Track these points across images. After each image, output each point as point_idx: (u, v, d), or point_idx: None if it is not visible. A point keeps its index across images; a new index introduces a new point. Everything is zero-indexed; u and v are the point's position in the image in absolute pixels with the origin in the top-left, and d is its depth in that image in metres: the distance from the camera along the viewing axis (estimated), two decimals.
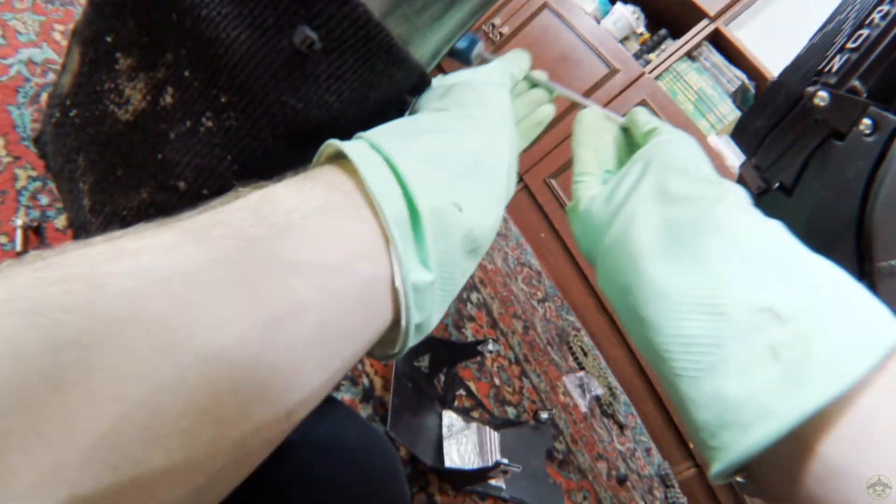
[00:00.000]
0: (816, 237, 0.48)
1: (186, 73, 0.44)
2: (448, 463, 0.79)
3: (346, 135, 0.34)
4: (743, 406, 0.26)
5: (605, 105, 1.89)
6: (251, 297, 0.22)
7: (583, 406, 1.36)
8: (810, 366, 0.25)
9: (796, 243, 0.33)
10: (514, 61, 0.52)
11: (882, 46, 0.47)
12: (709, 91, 1.91)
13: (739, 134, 0.58)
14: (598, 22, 2.12)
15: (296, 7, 0.39)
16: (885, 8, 0.48)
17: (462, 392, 0.89)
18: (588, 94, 1.92)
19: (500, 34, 2.12)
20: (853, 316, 0.27)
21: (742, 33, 1.89)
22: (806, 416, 0.24)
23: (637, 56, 2.04)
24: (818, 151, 0.49)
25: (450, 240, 0.31)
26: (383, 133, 0.33)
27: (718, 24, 1.87)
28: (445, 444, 0.80)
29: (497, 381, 1.05)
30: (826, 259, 0.32)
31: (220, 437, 0.21)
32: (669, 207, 0.36)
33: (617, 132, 0.53)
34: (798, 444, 0.25)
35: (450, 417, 0.83)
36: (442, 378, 0.88)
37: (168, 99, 0.45)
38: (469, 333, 1.09)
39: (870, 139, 0.45)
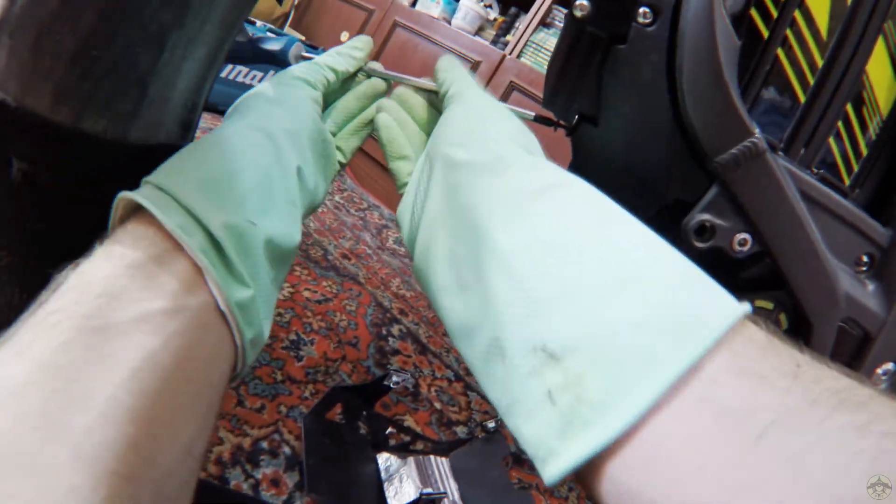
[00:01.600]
0: (642, 157, 0.46)
1: None
2: None
3: None
4: (535, 446, 0.26)
5: None
6: (101, 372, 0.25)
7: None
8: (583, 411, 0.24)
9: (582, 237, 0.29)
10: (342, 53, 0.50)
11: None
12: None
13: (546, 77, 0.55)
14: (449, 23, 2.17)
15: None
16: None
17: (392, 430, 0.87)
18: None
19: None
20: (644, 333, 0.25)
21: None
22: (586, 459, 0.24)
23: (494, 42, 2.08)
24: (606, 66, 0.45)
25: (253, 253, 0.34)
26: (169, 171, 0.34)
27: None
28: (385, 486, 0.77)
29: (437, 405, 1.03)
30: (632, 222, 0.30)
31: (137, 490, 0.24)
32: (455, 219, 0.35)
33: (425, 103, 0.51)
34: (595, 470, 0.25)
35: (385, 459, 0.80)
36: (365, 422, 0.85)
37: None
38: (395, 368, 1.07)
39: (652, 28, 0.42)
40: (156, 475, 0.25)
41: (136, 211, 0.33)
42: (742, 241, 0.46)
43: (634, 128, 0.46)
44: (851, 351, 0.51)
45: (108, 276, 0.28)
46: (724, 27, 0.41)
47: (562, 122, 0.51)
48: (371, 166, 2.09)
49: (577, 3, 0.46)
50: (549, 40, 1.96)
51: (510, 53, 1.93)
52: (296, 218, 0.41)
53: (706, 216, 0.45)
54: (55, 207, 0.41)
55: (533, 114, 0.53)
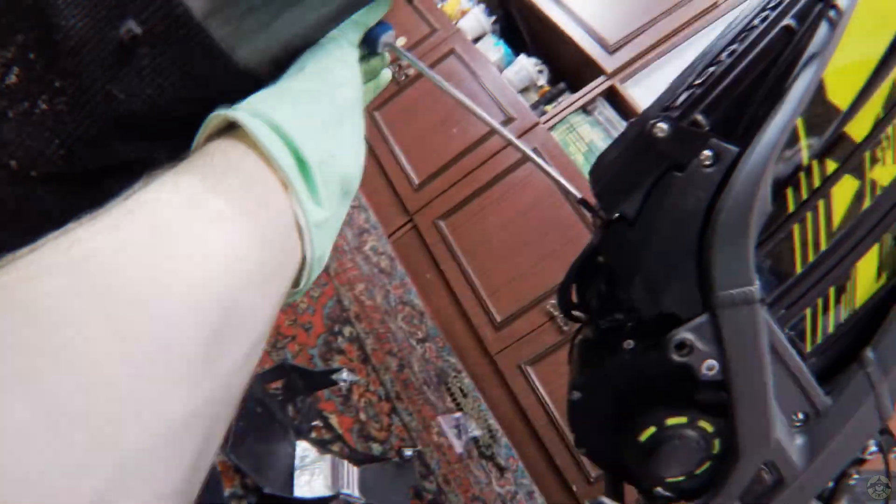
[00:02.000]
0: (658, 269, 0.52)
1: (31, 56, 0.44)
2: (298, 494, 0.78)
3: (172, 132, 0.37)
4: None
5: (497, 152, 1.98)
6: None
7: (458, 447, 1.37)
8: None
9: None
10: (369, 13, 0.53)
11: (726, 82, 0.51)
12: (600, 143, 2.01)
13: (595, 168, 0.60)
14: (501, 71, 2.23)
15: (125, 1, 0.40)
16: (734, 47, 0.53)
17: (319, 423, 0.89)
18: (482, 139, 2.00)
19: (406, 76, 2.17)
20: None
21: (636, 91, 2.03)
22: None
23: (534, 106, 2.14)
24: (660, 183, 0.52)
25: (331, 184, 0.37)
26: (260, 101, 0.37)
27: (614, 81, 1.99)
28: (297, 474, 0.79)
29: (363, 417, 1.05)
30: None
31: (214, 375, 0.26)
32: None
33: None
34: None
35: (304, 448, 0.82)
36: (297, 407, 0.87)
37: (13, 79, 0.44)
38: (336, 366, 1.09)
39: (709, 170, 0.48)
40: (227, 367, 0.27)
41: (226, 132, 0.35)
42: (710, 367, 0.51)
43: (662, 242, 0.52)
44: (763, 490, 0.56)
45: (204, 177, 0.31)
46: (765, 193, 0.48)
47: (601, 213, 0.57)
48: (377, 173, 2.12)
49: (659, 125, 0.52)
50: (583, 125, 2.03)
51: (544, 122, 1.99)
52: (362, 155, 0.44)
53: (690, 336, 0.51)
54: (145, 81, 0.42)
55: (580, 195, 0.58)
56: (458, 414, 1.46)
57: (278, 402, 0.82)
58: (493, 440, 1.55)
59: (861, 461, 0.65)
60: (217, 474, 0.58)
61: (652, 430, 0.57)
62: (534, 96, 2.23)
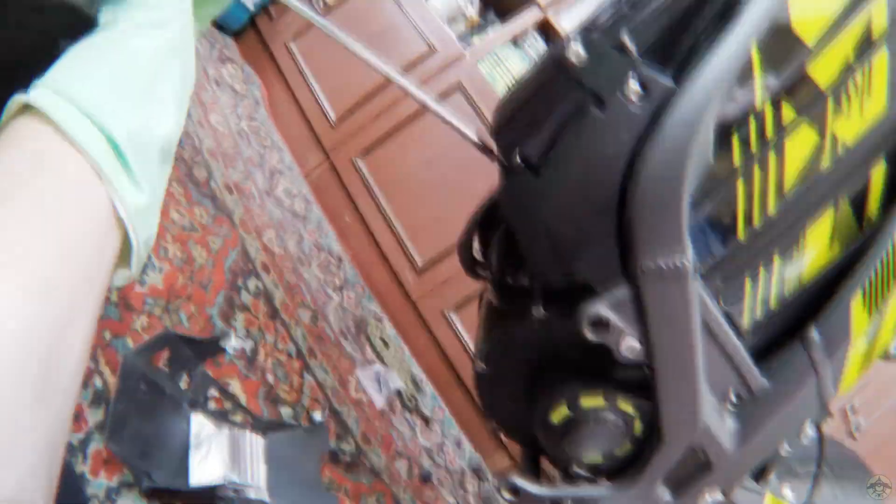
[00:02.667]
0: (567, 228, 0.44)
1: None
2: (196, 476, 0.71)
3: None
4: None
5: (422, 84, 1.87)
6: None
7: (379, 402, 1.32)
8: None
9: None
10: None
11: None
12: None
13: (500, 102, 0.51)
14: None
15: None
16: None
17: (216, 393, 0.81)
18: (406, 69, 1.89)
19: (324, 3, 2.03)
20: None
21: (570, 23, 1.95)
22: None
23: (462, 38, 2.04)
24: (573, 121, 0.42)
25: (149, 159, 0.35)
26: (62, 73, 0.34)
27: (547, 12, 1.91)
28: (192, 453, 0.71)
29: (270, 379, 0.98)
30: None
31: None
32: None
33: None
34: None
35: (200, 422, 0.74)
36: (190, 377, 0.79)
37: None
38: (239, 325, 1.01)
39: (636, 107, 0.39)
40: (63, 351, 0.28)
41: (30, 110, 0.32)
42: (630, 348, 0.45)
43: (573, 194, 0.43)
44: (688, 471, 0.53)
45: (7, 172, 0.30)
46: (705, 141, 0.40)
47: (501, 159, 0.48)
48: (293, 108, 1.99)
49: (573, 48, 0.42)
50: (512, 58, 1.94)
51: (471, 55, 1.90)
52: (183, 114, 0.40)
53: (606, 311, 0.44)
54: None
55: (476, 138, 0.49)
56: (378, 366, 1.41)
57: (166, 374, 0.74)
58: (417, 391, 1.52)
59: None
60: (72, 472, 0.50)
61: (565, 410, 0.51)
62: (462, 27, 2.12)
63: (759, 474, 0.64)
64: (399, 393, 1.44)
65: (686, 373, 0.45)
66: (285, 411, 0.96)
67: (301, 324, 1.19)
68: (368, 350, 1.49)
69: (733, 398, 0.50)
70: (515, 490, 0.56)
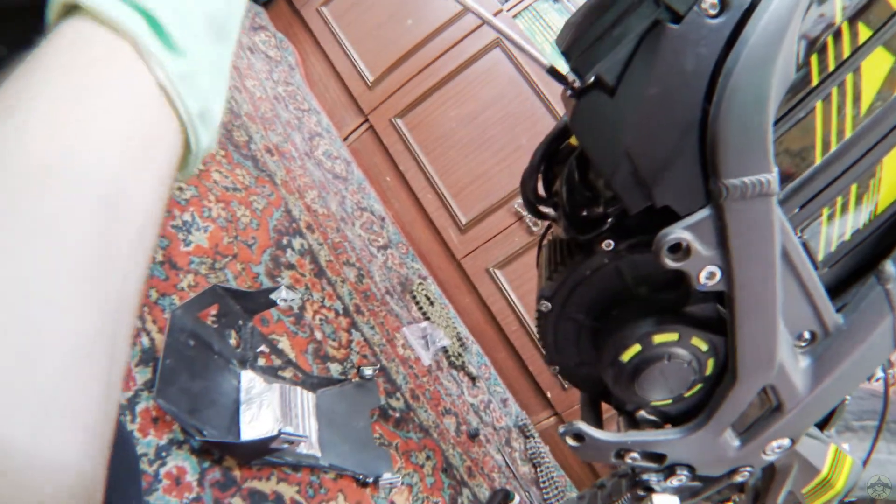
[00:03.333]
0: (647, 149, 0.41)
1: None
2: (247, 432, 0.70)
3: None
4: None
5: (456, 43, 1.83)
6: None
7: (426, 359, 1.31)
8: None
9: None
10: None
11: None
12: None
13: (567, 24, 0.48)
14: None
15: None
16: None
17: (265, 349, 0.80)
18: (439, 30, 1.85)
19: None
20: None
21: None
22: None
23: None
24: (648, 38, 0.40)
25: (191, 26, 0.33)
26: None
27: None
28: (243, 409, 0.71)
29: (319, 336, 0.97)
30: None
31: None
32: None
33: None
34: None
35: (249, 379, 0.74)
36: (239, 333, 0.78)
37: None
38: (286, 284, 1.00)
39: (715, 21, 0.37)
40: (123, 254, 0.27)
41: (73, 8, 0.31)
42: (710, 275, 0.43)
43: (653, 114, 0.41)
44: (758, 416, 0.51)
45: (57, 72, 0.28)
46: (789, 53, 0.37)
47: (573, 80, 0.45)
48: (328, 73, 1.96)
49: None
50: (551, 13, 1.88)
51: (508, 10, 1.84)
52: None
53: (687, 235, 0.42)
54: None
55: (548, 63, 0.47)
56: (424, 323, 1.39)
57: (215, 330, 0.73)
58: (462, 349, 1.50)
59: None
60: (123, 430, 0.50)
61: (637, 348, 0.49)
62: None
63: (823, 424, 0.61)
64: (445, 350, 1.42)
65: (765, 303, 0.43)
66: (334, 367, 0.95)
67: (347, 282, 1.18)
68: (414, 308, 1.48)
69: (808, 336, 0.48)
70: (580, 436, 0.55)
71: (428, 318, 1.47)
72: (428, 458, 1.07)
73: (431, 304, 1.52)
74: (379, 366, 1.07)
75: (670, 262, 0.42)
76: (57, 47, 0.30)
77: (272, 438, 0.62)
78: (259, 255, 0.98)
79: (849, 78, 0.41)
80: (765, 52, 0.36)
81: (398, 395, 1.11)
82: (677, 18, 0.38)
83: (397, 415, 1.06)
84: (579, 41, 0.43)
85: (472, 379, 1.49)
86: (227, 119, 1.27)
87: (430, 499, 1.00)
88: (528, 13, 1.90)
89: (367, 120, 1.88)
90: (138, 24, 0.31)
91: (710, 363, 0.49)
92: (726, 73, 0.37)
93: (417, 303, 1.50)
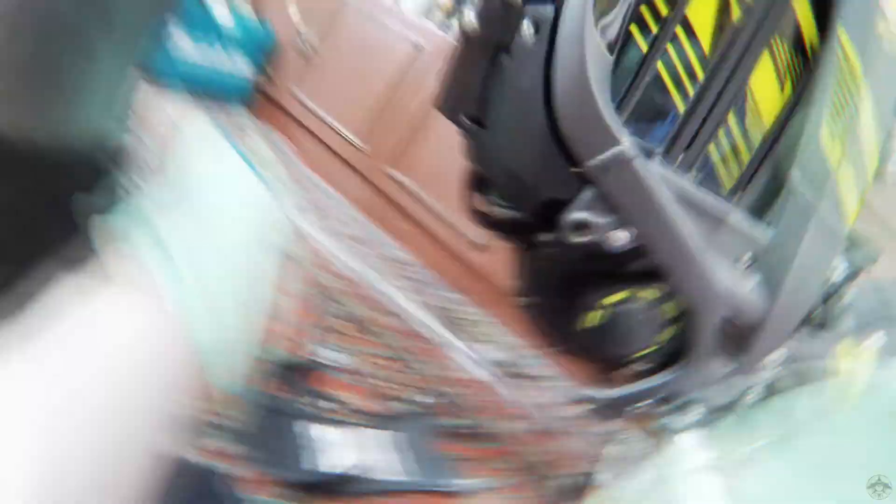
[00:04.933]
0: (522, 161, 0.49)
1: None
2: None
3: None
4: None
5: (423, 76, 1.92)
6: None
7: (482, 375, 1.39)
8: None
9: None
10: None
11: None
12: None
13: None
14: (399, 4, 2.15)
15: None
16: None
17: (331, 405, 0.90)
18: (402, 78, 1.94)
19: (312, 47, 2.11)
20: None
21: None
22: None
23: (442, 26, 2.08)
24: (492, 74, 0.49)
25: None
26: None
27: None
28: (318, 458, 0.80)
29: (374, 382, 1.06)
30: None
31: None
32: None
33: None
34: None
35: (320, 430, 0.83)
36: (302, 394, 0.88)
37: None
38: (333, 346, 1.10)
39: (533, 42, 0.45)
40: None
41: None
42: (617, 238, 0.48)
43: (515, 131, 0.49)
44: (740, 342, 0.54)
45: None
46: (594, 44, 0.43)
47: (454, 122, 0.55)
48: (321, 150, 2.07)
49: (468, 18, 0.49)
50: None
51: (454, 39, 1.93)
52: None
53: (582, 214, 0.48)
54: None
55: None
56: (472, 344, 1.47)
57: (281, 399, 0.83)
58: (517, 356, 1.56)
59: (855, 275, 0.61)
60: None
61: (597, 314, 0.55)
62: (439, 16, 2.16)
63: (822, 325, 0.63)
64: (500, 363, 1.49)
65: (679, 246, 0.48)
66: (397, 406, 1.04)
67: (390, 329, 1.27)
68: (459, 333, 1.55)
69: (747, 257, 0.52)
70: (592, 400, 0.60)
71: (475, 339, 1.54)
72: (506, 462, 1.14)
73: (475, 324, 1.59)
74: (438, 392, 1.15)
75: (579, 239, 0.48)
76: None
77: (352, 476, 0.70)
78: (304, 331, 1.08)
79: (679, 30, 0.46)
80: (572, 53, 0.43)
81: (464, 414, 1.18)
82: (508, 52, 0.47)
83: (468, 432, 1.13)
84: (447, 97, 0.54)
85: (533, 380, 1.54)
86: None
87: (517, 498, 1.06)
88: None
89: (366, 179, 1.98)
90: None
91: (668, 307, 0.54)
92: (553, 80, 0.45)
93: (461, 328, 1.57)
